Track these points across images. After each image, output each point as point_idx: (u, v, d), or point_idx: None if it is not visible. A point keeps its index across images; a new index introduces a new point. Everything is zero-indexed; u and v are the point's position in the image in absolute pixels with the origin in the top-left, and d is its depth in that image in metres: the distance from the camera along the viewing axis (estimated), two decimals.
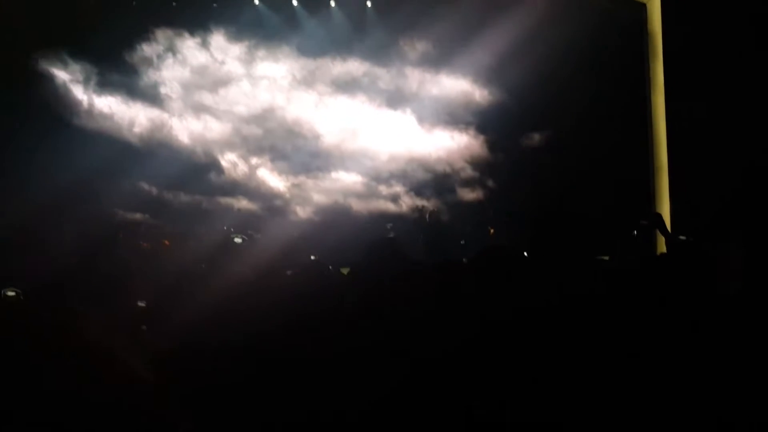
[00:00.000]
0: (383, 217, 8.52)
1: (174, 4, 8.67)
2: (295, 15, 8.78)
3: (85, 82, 8.32)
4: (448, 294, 1.79)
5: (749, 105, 7.13)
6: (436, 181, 8.57)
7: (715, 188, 6.68)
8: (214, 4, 8.69)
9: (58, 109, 8.09)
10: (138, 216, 8.27)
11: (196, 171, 8.49)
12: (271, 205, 8.64)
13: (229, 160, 8.66)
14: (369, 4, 8.79)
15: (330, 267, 3.18)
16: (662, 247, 5.48)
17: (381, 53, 8.56)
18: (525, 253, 2.00)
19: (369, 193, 8.58)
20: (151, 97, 8.47)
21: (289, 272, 3.27)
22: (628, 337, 1.57)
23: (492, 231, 8.00)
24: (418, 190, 8.59)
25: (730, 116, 7.13)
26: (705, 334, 1.82)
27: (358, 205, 8.54)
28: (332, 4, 8.84)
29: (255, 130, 8.62)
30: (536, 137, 8.33)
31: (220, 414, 1.74)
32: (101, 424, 1.09)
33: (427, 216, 8.47)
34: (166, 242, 7.61)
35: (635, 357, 1.53)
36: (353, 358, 1.67)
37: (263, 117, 8.57)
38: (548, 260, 1.84)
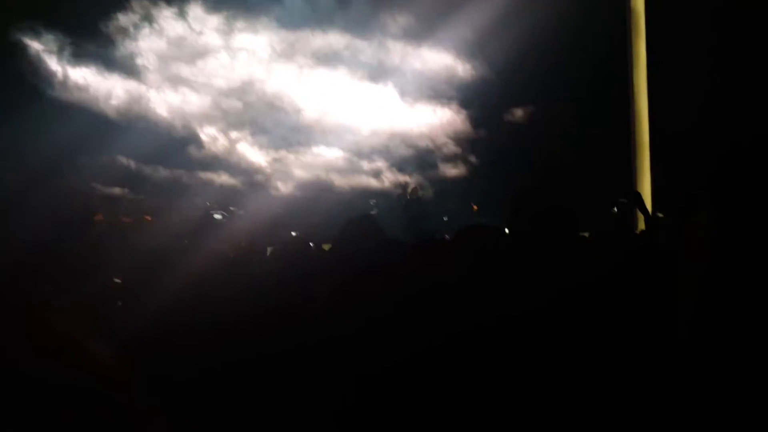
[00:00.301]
0: (366, 193, 8.49)
1: None
2: None
3: (59, 53, 8.10)
4: (430, 276, 1.78)
5: (731, 82, 7.17)
6: (419, 157, 8.53)
7: (696, 166, 6.74)
8: None
9: (32, 81, 7.87)
10: (117, 191, 8.15)
11: (176, 145, 8.35)
12: (252, 180, 8.56)
13: (208, 133, 8.53)
14: None
15: (311, 244, 3.16)
16: (642, 224, 5.54)
17: (362, 26, 8.43)
18: (506, 230, 1.99)
19: (351, 169, 8.52)
20: (128, 68, 8.27)
21: (269, 248, 3.24)
22: (612, 322, 1.58)
23: (475, 207, 8.02)
24: (400, 165, 8.55)
25: (711, 94, 7.17)
26: (679, 318, 1.83)
27: (340, 181, 8.49)
28: None
29: (235, 104, 8.48)
30: (518, 113, 8.32)
31: (195, 399, 1.73)
32: (68, 410, 1.06)
33: (409, 192, 8.46)
34: (148, 217, 7.52)
35: (618, 343, 1.54)
36: (331, 345, 1.66)
37: (243, 90, 8.43)
38: (530, 238, 1.83)
